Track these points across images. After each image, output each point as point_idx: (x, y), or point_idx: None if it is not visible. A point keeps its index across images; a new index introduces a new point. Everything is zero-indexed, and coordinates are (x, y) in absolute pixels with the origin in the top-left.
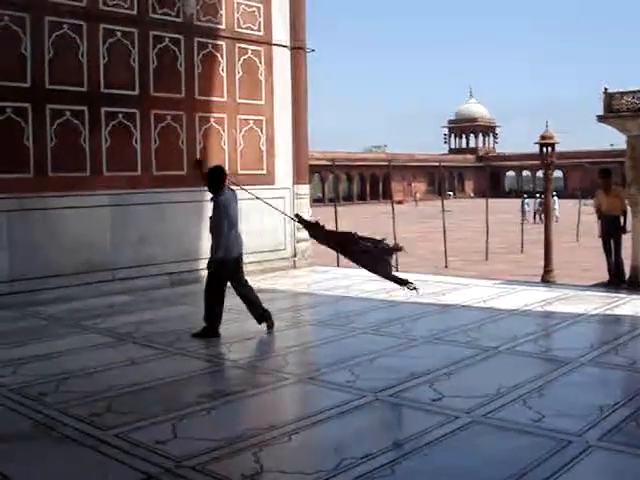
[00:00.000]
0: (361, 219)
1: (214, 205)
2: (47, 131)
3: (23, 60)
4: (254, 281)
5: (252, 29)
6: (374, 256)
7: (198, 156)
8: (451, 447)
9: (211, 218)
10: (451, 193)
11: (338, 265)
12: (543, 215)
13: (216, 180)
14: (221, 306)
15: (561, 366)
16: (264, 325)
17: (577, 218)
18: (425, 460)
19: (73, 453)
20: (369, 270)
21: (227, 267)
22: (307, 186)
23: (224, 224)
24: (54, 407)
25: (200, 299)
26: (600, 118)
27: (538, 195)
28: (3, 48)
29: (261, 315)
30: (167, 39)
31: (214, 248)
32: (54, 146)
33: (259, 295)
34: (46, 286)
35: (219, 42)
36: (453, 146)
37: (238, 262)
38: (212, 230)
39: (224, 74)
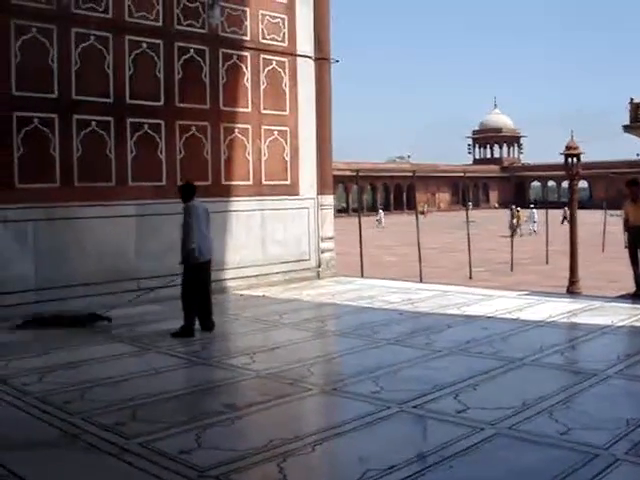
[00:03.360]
0: (385, 230)
1: (183, 211)
2: (73, 141)
3: (50, 71)
4: (278, 291)
5: (276, 40)
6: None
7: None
8: (476, 459)
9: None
10: (470, 204)
11: (362, 276)
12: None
13: (187, 193)
14: (197, 306)
15: (587, 378)
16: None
17: (603, 229)
18: (450, 472)
19: (98, 461)
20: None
21: (197, 269)
22: (331, 197)
23: (193, 228)
24: (79, 415)
25: (225, 308)
26: (626, 128)
27: (514, 207)
28: (31, 59)
29: (207, 325)
30: (192, 50)
31: (182, 250)
32: (80, 156)
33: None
34: (72, 295)
35: (244, 53)
36: (477, 156)
37: (207, 266)
38: (182, 234)
39: (249, 85)
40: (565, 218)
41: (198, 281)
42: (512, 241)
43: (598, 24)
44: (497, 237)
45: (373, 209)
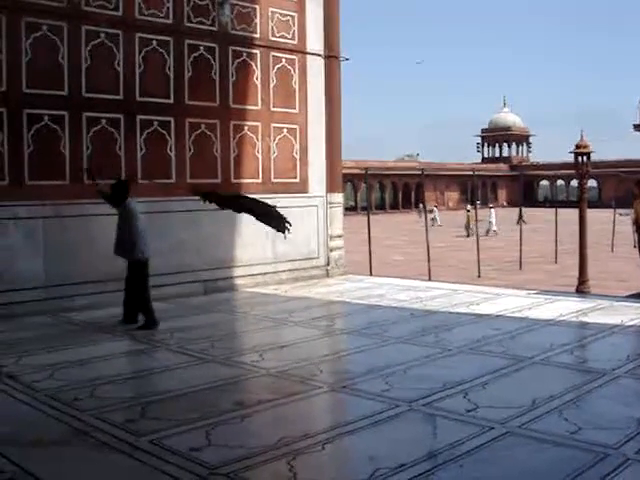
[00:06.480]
0: (393, 228)
1: (125, 212)
2: (83, 138)
3: (60, 68)
4: (287, 289)
5: (286, 38)
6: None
7: (86, 165)
8: (486, 458)
9: (120, 225)
10: (479, 202)
11: (371, 274)
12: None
13: (122, 192)
14: (150, 298)
15: (597, 378)
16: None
17: (612, 228)
18: (460, 471)
19: (108, 459)
20: (263, 221)
21: (146, 266)
22: (340, 195)
23: (138, 227)
24: (89, 412)
25: (234, 306)
26: (637, 127)
27: (469, 207)
28: (41, 56)
29: (133, 317)
30: (202, 48)
31: (130, 250)
32: (90, 153)
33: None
34: (81, 292)
35: (253, 51)
36: (486, 155)
37: (147, 264)
38: (125, 234)
39: (258, 82)
40: (521, 217)
41: (146, 275)
42: (520, 240)
43: (609, 24)
44: (453, 236)
45: (381, 208)
